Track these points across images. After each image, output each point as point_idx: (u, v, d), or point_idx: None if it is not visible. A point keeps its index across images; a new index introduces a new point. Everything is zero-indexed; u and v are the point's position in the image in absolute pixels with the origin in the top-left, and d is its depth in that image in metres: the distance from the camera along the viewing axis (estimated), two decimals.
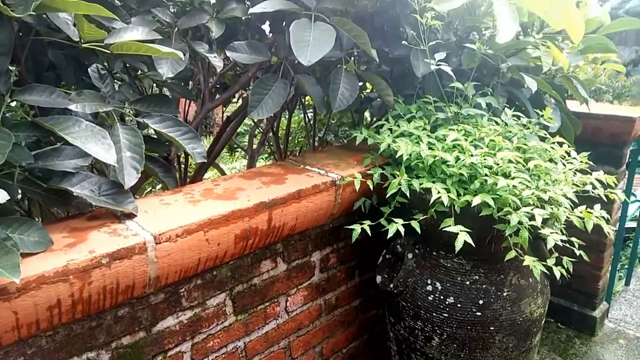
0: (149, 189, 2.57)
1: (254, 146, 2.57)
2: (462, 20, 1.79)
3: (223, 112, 2.89)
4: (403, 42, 1.64)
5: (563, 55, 1.76)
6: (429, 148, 1.41)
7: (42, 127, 1.04)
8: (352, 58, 1.86)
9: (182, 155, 2.12)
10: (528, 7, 1.55)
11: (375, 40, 1.63)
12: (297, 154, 3.14)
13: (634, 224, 3.34)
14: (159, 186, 2.64)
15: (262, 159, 4.32)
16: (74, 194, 1.06)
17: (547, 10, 1.50)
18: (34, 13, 0.89)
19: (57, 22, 1.15)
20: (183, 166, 2.19)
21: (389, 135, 1.53)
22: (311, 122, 2.56)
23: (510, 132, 1.48)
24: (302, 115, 2.71)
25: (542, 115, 1.57)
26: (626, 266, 3.12)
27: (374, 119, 2.37)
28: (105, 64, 1.43)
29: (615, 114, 2.25)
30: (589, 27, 1.92)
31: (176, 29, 1.46)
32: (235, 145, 2.61)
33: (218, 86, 2.25)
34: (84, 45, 1.19)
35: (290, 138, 2.67)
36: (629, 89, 10.61)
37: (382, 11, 1.75)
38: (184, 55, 1.38)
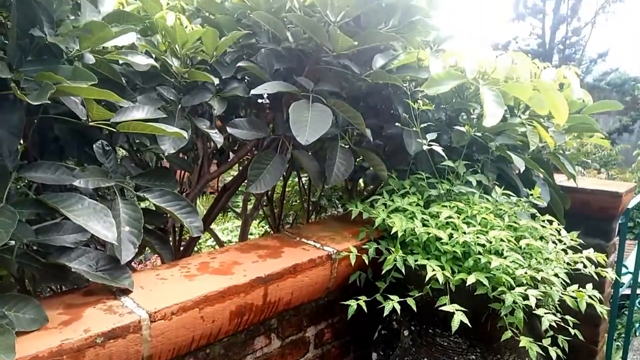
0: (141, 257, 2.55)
1: (248, 210, 2.60)
2: (451, 103, 1.89)
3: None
4: (396, 123, 1.72)
5: (549, 134, 1.85)
6: (423, 225, 1.44)
7: (45, 204, 1.06)
8: (347, 133, 1.94)
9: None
10: (513, 94, 1.64)
11: (369, 118, 1.70)
12: (291, 219, 3.16)
13: (628, 291, 3.33)
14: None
15: (256, 223, 4.32)
16: (72, 269, 1.07)
17: (531, 97, 1.59)
18: (49, 101, 0.94)
19: (66, 102, 1.20)
20: (177, 232, 2.19)
21: (383, 210, 1.56)
22: (305, 187, 2.60)
23: (501, 209, 1.52)
24: (296, 179, 2.76)
25: (532, 194, 1.62)
26: (623, 335, 3.08)
27: (369, 187, 2.43)
28: (109, 138, 1.48)
29: (603, 189, 2.31)
30: (573, 108, 2.02)
31: (180, 106, 1.53)
32: (228, 207, 2.62)
33: (215, 152, 2.30)
34: (91, 123, 1.25)
35: (284, 202, 2.70)
36: (615, 157, 10.93)
37: (375, 92, 1.84)
38: (187, 132, 1.43)
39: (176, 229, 2.20)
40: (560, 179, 2.33)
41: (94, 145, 1.30)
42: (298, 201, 2.99)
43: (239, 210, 2.62)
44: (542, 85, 1.70)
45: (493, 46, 22.15)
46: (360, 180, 2.39)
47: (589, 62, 21.19)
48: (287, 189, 2.70)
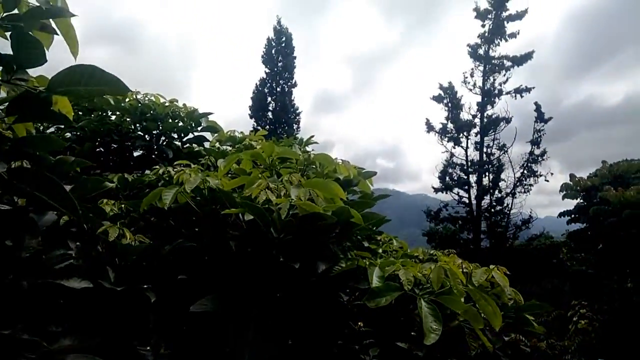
0: None
1: None
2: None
3: None
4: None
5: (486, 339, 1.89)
6: None
7: None
8: None
9: None
10: (449, 306, 1.72)
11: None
12: None
13: None
14: None
15: None
16: None
17: (466, 310, 1.68)
18: None
19: None
20: None
21: None
22: None
23: None
24: None
25: None
26: None
27: None
28: None
29: None
30: (506, 310, 2.13)
31: None
32: None
33: None
34: None
35: None
36: (553, 324, 11.14)
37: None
38: None
39: None
40: None
41: None
42: None
43: None
44: (475, 294, 1.80)
45: (426, 213, 23.81)
46: None
47: (514, 228, 22.99)
48: None
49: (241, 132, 3.86)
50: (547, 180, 23.02)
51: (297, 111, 29.99)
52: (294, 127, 29.93)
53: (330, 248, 1.98)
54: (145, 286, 1.82)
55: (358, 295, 1.93)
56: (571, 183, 18.02)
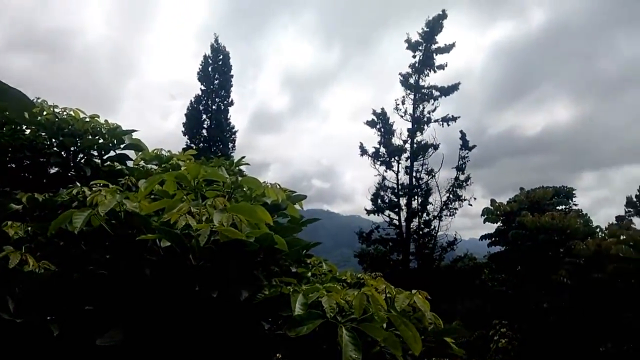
0: None
1: None
2: None
3: None
4: None
5: None
6: None
7: None
8: None
9: None
10: (369, 334, 1.72)
11: None
12: None
13: None
14: None
15: None
16: None
17: (386, 337, 1.69)
18: None
19: None
20: None
21: None
22: None
23: None
24: None
25: None
26: None
27: None
28: None
29: None
30: (426, 334, 2.17)
31: None
32: None
33: None
34: None
35: None
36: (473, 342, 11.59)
37: None
38: None
39: None
40: None
41: None
42: None
43: None
44: (396, 320, 1.82)
45: (358, 235, 24.20)
46: None
47: (440, 250, 23.93)
48: None
49: (168, 151, 3.72)
50: (471, 205, 24.30)
51: (233, 130, 29.57)
52: (229, 146, 29.48)
53: (255, 274, 1.93)
54: (48, 317, 1.67)
55: (281, 324, 1.89)
56: (492, 208, 19.15)
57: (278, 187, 2.57)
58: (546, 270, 15.23)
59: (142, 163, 3.61)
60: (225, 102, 29.51)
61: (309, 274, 2.88)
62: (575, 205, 20.04)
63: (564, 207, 19.29)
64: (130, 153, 3.71)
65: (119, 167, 3.51)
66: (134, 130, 3.58)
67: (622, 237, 13.83)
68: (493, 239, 19.26)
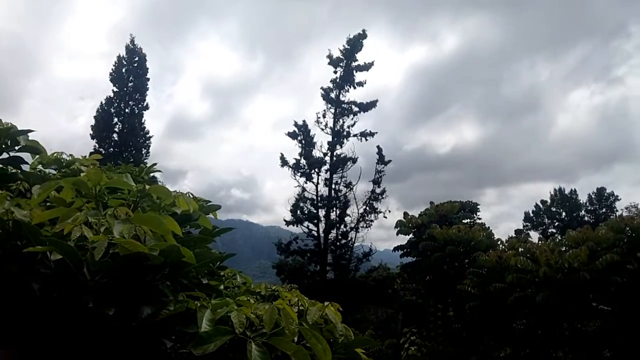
0: None
1: None
2: None
3: None
4: None
5: None
6: None
7: None
8: None
9: None
10: (280, 348, 1.69)
11: None
12: None
13: None
14: None
15: None
16: None
17: (296, 351, 1.66)
18: None
19: None
20: None
21: None
22: None
23: None
24: None
25: None
26: None
27: None
28: None
29: None
30: (337, 346, 2.18)
31: None
32: None
33: None
34: None
35: None
36: (386, 352, 11.97)
37: None
38: None
39: None
40: None
41: None
42: None
43: None
44: (306, 333, 1.81)
45: (277, 246, 24.12)
46: None
47: (356, 261, 24.52)
48: None
49: (70, 155, 3.43)
50: (386, 217, 25.26)
51: (148, 135, 28.23)
52: (143, 152, 28.10)
53: (159, 289, 1.82)
54: None
55: (187, 342, 1.79)
56: (404, 220, 20.04)
57: (190, 196, 2.46)
58: (453, 279, 16.15)
59: (40, 167, 3.30)
60: (140, 105, 28.14)
61: (222, 286, 2.78)
62: (479, 219, 21.59)
63: (469, 220, 20.67)
64: (27, 156, 3.38)
65: (12, 171, 3.17)
66: (30, 131, 3.26)
67: (520, 250, 15.07)
68: (405, 250, 20.12)
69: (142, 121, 27.93)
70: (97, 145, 26.07)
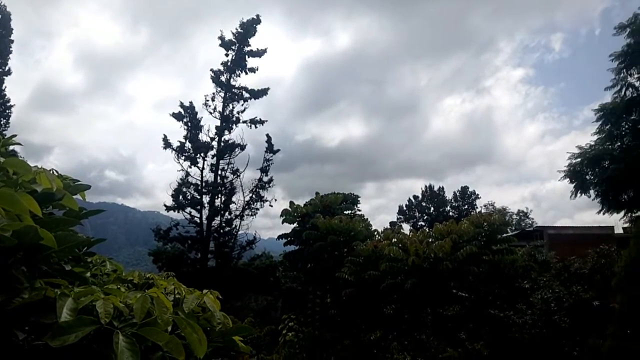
0: None
1: None
2: None
3: None
4: None
5: None
6: None
7: None
8: None
9: None
10: (151, 339, 1.60)
11: None
12: None
13: None
14: None
15: None
16: None
17: (169, 341, 1.59)
18: None
19: None
20: None
21: None
22: None
23: None
24: None
25: None
26: None
27: None
28: None
29: None
30: (214, 335, 2.13)
31: None
32: None
33: None
34: None
35: None
36: (264, 339, 12.05)
37: None
38: None
39: None
40: None
41: None
42: None
43: None
44: (181, 323, 1.74)
45: (155, 232, 22.94)
46: None
47: (239, 249, 24.31)
48: None
49: None
50: (272, 205, 25.37)
51: (8, 104, 24.92)
52: (2, 122, 24.77)
53: (13, 275, 1.60)
54: None
55: (45, 333, 1.61)
56: (290, 209, 20.36)
57: (55, 173, 2.21)
58: (332, 268, 16.83)
59: None
60: (0, 69, 24.71)
61: (89, 274, 2.55)
62: (360, 210, 22.71)
63: (350, 211, 21.64)
64: None
65: None
66: None
67: (393, 240, 16.19)
68: (289, 238, 20.46)
69: (3, 87, 24.54)
70: None
